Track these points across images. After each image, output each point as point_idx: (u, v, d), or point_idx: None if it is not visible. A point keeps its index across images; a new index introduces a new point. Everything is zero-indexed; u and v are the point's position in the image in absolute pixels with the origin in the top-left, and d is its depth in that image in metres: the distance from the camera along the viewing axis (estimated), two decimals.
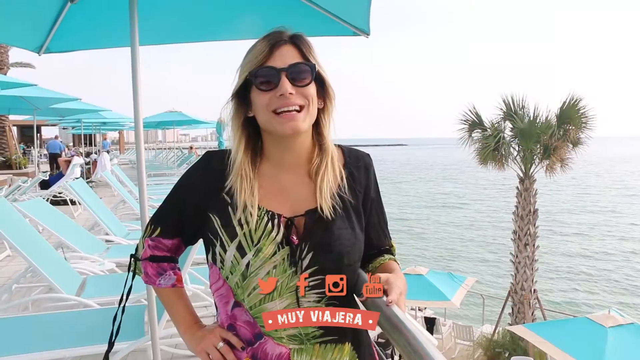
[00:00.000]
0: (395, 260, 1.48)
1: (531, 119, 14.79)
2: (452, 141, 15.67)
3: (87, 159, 20.43)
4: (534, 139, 14.49)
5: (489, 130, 14.94)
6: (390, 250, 1.52)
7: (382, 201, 1.50)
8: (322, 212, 1.32)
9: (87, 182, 10.82)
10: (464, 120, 15.22)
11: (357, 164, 1.44)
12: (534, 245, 14.49)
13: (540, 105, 15.08)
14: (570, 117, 14.57)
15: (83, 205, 7.89)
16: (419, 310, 15.66)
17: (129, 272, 1.50)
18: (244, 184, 1.31)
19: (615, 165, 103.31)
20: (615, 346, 8.86)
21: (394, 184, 72.12)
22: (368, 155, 1.48)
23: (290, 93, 1.26)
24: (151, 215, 1.50)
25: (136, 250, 1.51)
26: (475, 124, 15.15)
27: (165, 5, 3.25)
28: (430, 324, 14.43)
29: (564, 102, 14.70)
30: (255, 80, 1.28)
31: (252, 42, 1.34)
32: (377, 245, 1.48)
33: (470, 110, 15.18)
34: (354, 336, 1.38)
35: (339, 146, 1.46)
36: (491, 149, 14.50)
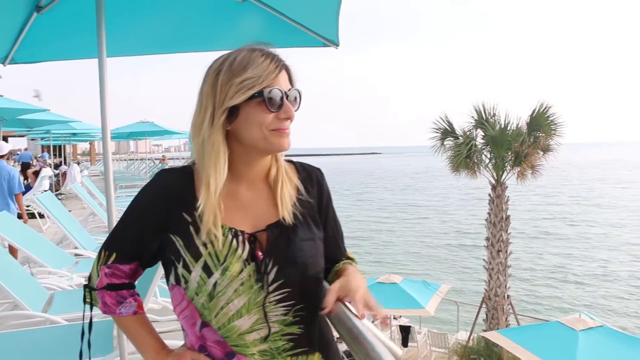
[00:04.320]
0: (352, 264, 1.50)
1: (502, 126, 14.97)
2: (426, 149, 15.83)
3: (56, 171, 20.09)
4: (505, 147, 14.69)
5: (461, 138, 15.13)
6: (349, 262, 1.53)
7: (336, 215, 1.52)
8: (284, 222, 1.34)
9: (56, 195, 10.63)
10: (436, 129, 15.40)
11: (310, 178, 1.47)
12: (506, 251, 14.66)
13: (511, 112, 15.31)
14: (540, 124, 14.80)
15: (51, 218, 7.74)
16: (394, 318, 15.70)
17: (84, 304, 1.46)
18: (212, 203, 1.29)
19: (583, 171, 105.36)
20: (586, 349, 9.00)
21: (358, 194, 72.57)
22: (319, 170, 1.52)
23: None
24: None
25: (89, 279, 1.46)
26: (447, 132, 15.33)
27: (134, 17, 3.23)
28: (406, 332, 14.47)
29: (534, 110, 14.94)
30: (267, 99, 1.27)
31: (221, 53, 1.34)
32: (333, 259, 1.49)
33: (442, 119, 15.39)
34: (323, 347, 1.39)
35: (291, 161, 1.48)
36: (463, 157, 14.66)
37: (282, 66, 1.31)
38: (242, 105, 1.28)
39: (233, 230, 1.30)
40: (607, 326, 10.30)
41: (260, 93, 1.27)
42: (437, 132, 15.40)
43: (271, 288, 1.28)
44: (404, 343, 14.51)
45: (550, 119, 14.85)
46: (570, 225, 44.60)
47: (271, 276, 1.28)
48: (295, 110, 1.33)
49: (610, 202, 58.44)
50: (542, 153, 14.99)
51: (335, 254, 1.50)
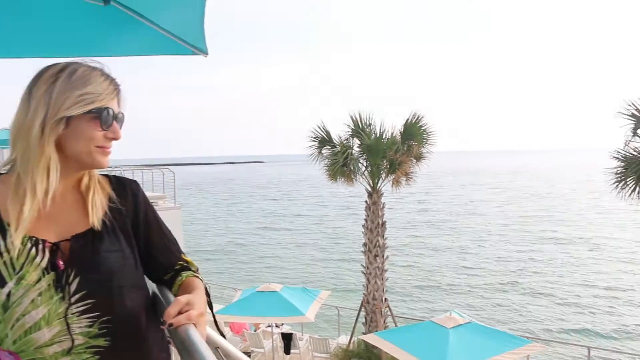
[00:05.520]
0: (196, 276, 1.51)
1: (377, 135, 15.49)
2: (308, 157, 16.02)
3: None
4: (381, 155, 15.19)
5: (338, 146, 15.47)
6: (187, 267, 1.54)
7: (161, 222, 1.54)
8: (93, 230, 1.33)
9: None
10: (314, 137, 15.64)
11: (124, 190, 1.48)
12: (383, 256, 15.17)
13: (386, 122, 15.92)
14: (413, 134, 15.47)
15: None
16: (276, 326, 15.71)
17: None
18: (35, 211, 1.27)
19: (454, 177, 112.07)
20: (456, 344, 9.58)
21: (237, 203, 72.52)
22: (135, 181, 1.54)
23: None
24: None
25: None
26: (324, 140, 15.62)
27: None
28: (288, 339, 14.52)
29: (407, 119, 15.59)
30: (103, 117, 1.33)
31: (77, 59, 1.37)
32: (168, 265, 1.51)
33: (319, 127, 15.65)
34: (138, 358, 1.37)
35: (106, 175, 1.49)
36: (340, 165, 15.00)
37: (118, 89, 1.39)
38: (76, 117, 1.30)
39: (33, 239, 1.27)
40: (475, 322, 11.02)
41: (97, 110, 1.31)
42: (315, 141, 15.67)
43: (74, 299, 1.26)
44: (286, 350, 14.55)
45: (422, 128, 15.58)
46: (439, 230, 47.28)
47: (73, 287, 1.26)
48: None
49: (476, 207, 62.73)
50: (415, 161, 15.70)
51: (169, 260, 1.52)
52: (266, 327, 15.56)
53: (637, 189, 11.34)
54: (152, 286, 1.54)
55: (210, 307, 1.44)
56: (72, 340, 1.25)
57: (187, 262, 1.54)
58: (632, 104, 11.39)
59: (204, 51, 3.25)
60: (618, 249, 37.55)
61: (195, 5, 2.75)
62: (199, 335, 1.17)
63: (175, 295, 1.41)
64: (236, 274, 33.05)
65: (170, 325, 1.19)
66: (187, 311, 1.21)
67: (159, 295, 1.47)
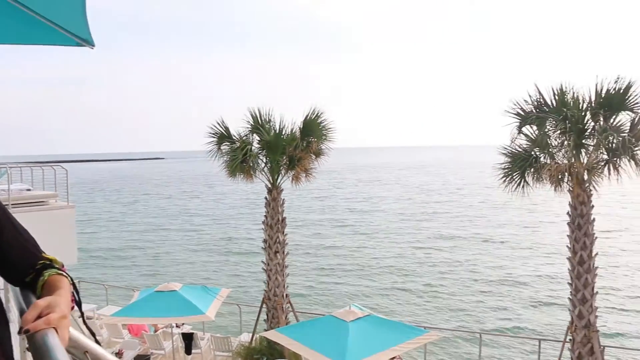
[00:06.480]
0: (60, 273, 1.41)
1: (277, 131, 15.48)
2: (207, 154, 15.69)
3: None
4: (280, 151, 15.19)
5: (237, 142, 15.31)
6: (51, 264, 1.44)
7: (14, 221, 1.44)
8: None
9: None
10: (213, 133, 15.40)
11: None
12: (283, 252, 15.23)
13: (286, 118, 15.86)
14: (312, 130, 15.59)
15: None
16: (177, 326, 15.38)
17: None
18: None
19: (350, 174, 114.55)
20: (355, 336, 9.81)
21: (133, 202, 70.58)
22: None
23: None
24: None
25: None
26: (223, 136, 15.39)
27: None
28: (188, 339, 14.28)
29: (307, 116, 15.67)
30: None
31: None
32: (27, 265, 1.42)
33: (218, 123, 15.42)
34: None
35: None
36: (239, 161, 14.85)
37: None
38: None
39: None
40: (374, 315, 11.34)
41: None
42: (214, 137, 15.42)
43: None
44: (187, 351, 14.31)
45: (321, 124, 15.73)
46: (339, 227, 48.21)
47: None
48: None
49: (375, 204, 64.52)
50: (314, 157, 15.81)
51: (28, 259, 1.42)
52: (166, 327, 15.19)
53: (522, 183, 12.08)
54: (15, 291, 1.43)
55: (79, 306, 1.36)
56: None
57: (49, 259, 1.45)
58: (517, 103, 12.13)
59: (90, 42, 3.09)
60: (507, 242, 39.87)
61: None
62: (57, 340, 1.08)
63: (39, 297, 1.31)
64: (134, 274, 32.02)
65: (27, 331, 1.08)
66: (47, 314, 1.12)
67: (21, 300, 1.36)
